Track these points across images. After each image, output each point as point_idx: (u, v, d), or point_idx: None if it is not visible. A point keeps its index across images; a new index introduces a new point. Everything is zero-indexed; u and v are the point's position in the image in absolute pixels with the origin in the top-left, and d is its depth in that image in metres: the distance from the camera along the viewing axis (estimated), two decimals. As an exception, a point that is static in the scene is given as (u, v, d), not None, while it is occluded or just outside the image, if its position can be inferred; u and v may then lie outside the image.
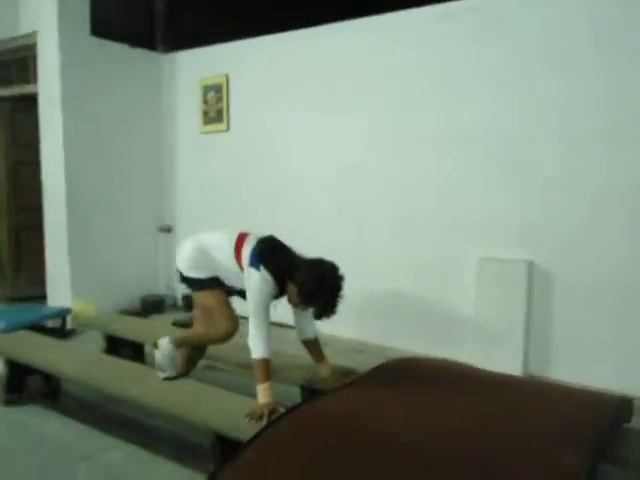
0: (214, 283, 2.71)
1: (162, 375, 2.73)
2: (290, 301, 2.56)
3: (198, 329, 2.94)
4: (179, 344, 2.83)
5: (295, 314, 2.70)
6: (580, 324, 3.49)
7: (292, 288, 2.48)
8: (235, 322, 2.72)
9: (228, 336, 2.74)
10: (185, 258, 2.76)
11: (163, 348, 2.78)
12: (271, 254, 2.53)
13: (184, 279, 2.80)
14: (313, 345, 2.75)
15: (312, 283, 2.39)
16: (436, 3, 3.89)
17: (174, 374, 2.75)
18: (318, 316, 2.46)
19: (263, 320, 2.43)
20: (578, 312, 3.49)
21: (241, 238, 2.66)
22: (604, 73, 3.33)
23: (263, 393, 2.31)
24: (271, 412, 2.22)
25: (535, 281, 3.62)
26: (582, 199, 3.45)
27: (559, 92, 3.49)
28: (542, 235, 3.60)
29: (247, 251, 2.57)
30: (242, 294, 2.66)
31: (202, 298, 2.79)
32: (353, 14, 4.26)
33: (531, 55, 3.57)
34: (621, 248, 3.34)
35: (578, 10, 3.40)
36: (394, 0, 4.04)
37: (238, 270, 2.61)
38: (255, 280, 2.46)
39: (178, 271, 2.82)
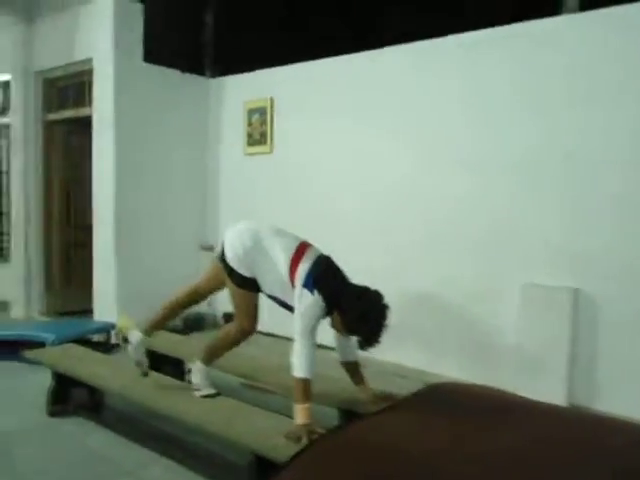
0: (253, 286, 2.70)
1: (199, 394, 2.77)
2: (334, 326, 2.56)
3: (219, 335, 2.98)
4: (208, 361, 2.87)
5: (336, 336, 2.69)
6: (628, 355, 3.37)
7: (337, 316, 2.47)
8: (255, 323, 2.80)
9: (245, 335, 2.81)
10: (235, 248, 2.68)
11: (196, 370, 2.83)
12: (326, 279, 2.48)
13: (225, 264, 2.74)
14: (353, 368, 2.74)
15: (358, 314, 2.38)
16: (472, 30, 3.91)
17: (212, 392, 2.78)
18: (362, 346, 2.44)
19: (310, 342, 2.41)
20: (626, 342, 3.38)
21: (300, 251, 2.58)
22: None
23: (302, 413, 2.31)
24: (310, 433, 2.21)
25: (580, 309, 3.52)
26: (633, 226, 3.36)
27: (606, 117, 3.43)
28: (589, 262, 3.51)
29: (303, 270, 2.50)
30: (284, 305, 2.66)
31: (236, 294, 2.79)
32: (391, 41, 4.33)
33: (576, 80, 3.53)
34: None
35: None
36: (432, 28, 4.08)
37: (287, 283, 2.56)
38: (308, 303, 2.43)
39: (222, 249, 2.77)
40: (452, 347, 4.07)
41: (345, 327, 2.46)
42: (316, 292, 2.42)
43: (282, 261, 2.56)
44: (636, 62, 3.33)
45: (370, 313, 2.39)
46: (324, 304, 2.43)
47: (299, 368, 2.37)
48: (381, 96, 4.43)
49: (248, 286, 2.71)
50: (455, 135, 4.06)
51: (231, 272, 2.72)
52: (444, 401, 2.55)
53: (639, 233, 3.33)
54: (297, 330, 2.42)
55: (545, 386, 3.49)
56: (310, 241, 2.70)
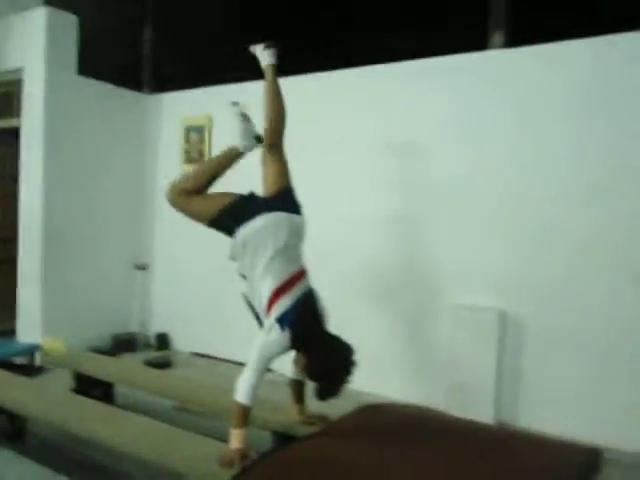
0: (228, 229, 2.60)
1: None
2: (296, 363, 2.52)
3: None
4: None
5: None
6: (551, 373, 3.55)
7: (302, 357, 2.42)
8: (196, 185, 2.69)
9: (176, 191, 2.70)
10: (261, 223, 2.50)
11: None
12: (301, 322, 2.40)
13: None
14: (299, 386, 2.73)
15: (325, 368, 2.35)
16: (426, 57, 4.05)
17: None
18: (318, 395, 2.40)
19: (260, 372, 2.35)
20: (549, 361, 3.56)
21: (289, 282, 2.46)
22: (596, 131, 3.46)
23: (236, 438, 2.28)
24: (243, 458, 2.19)
25: (507, 330, 3.68)
26: (557, 250, 3.56)
27: (543, 146, 3.62)
28: (515, 284, 3.69)
29: (283, 305, 2.40)
30: (253, 312, 2.57)
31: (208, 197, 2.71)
32: (339, 64, 4.42)
33: (529, 109, 3.69)
34: (593, 298, 3.43)
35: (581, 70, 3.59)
36: (376, 53, 4.21)
37: (262, 305, 2.47)
38: (274, 338, 2.36)
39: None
40: (387, 367, 4.14)
41: (307, 373, 2.42)
42: (287, 330, 2.36)
43: (267, 286, 2.45)
44: (566, 94, 3.56)
45: (337, 370, 2.35)
46: (290, 344, 2.38)
47: (243, 394, 2.32)
48: (321, 118, 4.49)
49: (224, 226, 2.63)
50: (400, 164, 4.16)
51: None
52: (376, 423, 2.60)
53: (563, 256, 3.53)
54: (253, 358, 2.35)
55: (474, 404, 3.61)
56: None
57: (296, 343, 2.39)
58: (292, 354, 2.52)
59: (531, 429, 3.49)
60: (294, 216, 2.59)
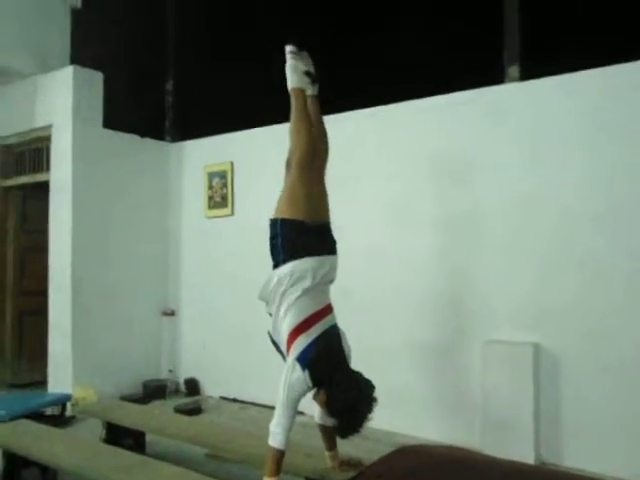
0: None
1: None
2: (316, 399, 2.45)
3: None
4: None
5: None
6: (592, 408, 3.41)
7: (322, 394, 2.37)
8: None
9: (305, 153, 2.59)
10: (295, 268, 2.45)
11: None
12: (320, 360, 2.36)
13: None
14: (329, 431, 2.67)
15: (345, 405, 2.29)
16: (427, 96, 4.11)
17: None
18: (339, 433, 2.37)
19: (292, 413, 2.32)
20: (589, 395, 3.42)
21: (309, 321, 2.41)
22: (597, 159, 3.46)
23: None
24: None
25: (542, 364, 3.57)
26: (582, 277, 3.48)
27: (555, 175, 3.61)
28: (548, 317, 3.59)
29: (302, 344, 2.36)
30: (277, 348, 2.53)
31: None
32: (353, 106, 4.50)
33: (527, 142, 3.72)
34: (629, 327, 3.32)
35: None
36: (392, 93, 4.27)
37: (283, 344, 2.44)
38: (296, 378, 2.32)
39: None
40: (418, 406, 4.04)
41: (328, 411, 2.37)
42: (307, 371, 2.32)
43: (287, 325, 2.41)
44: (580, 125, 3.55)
45: (357, 408, 2.30)
46: (311, 382, 2.34)
47: (276, 439, 2.28)
48: (343, 159, 4.53)
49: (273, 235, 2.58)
50: (416, 192, 4.17)
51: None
52: (411, 466, 2.52)
53: (596, 287, 3.45)
54: (281, 400, 2.32)
55: (513, 443, 3.48)
56: None
57: (316, 381, 2.35)
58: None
59: (575, 468, 3.33)
60: (330, 258, 2.56)
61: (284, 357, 2.50)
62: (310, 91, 2.78)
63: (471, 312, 3.89)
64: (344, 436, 2.36)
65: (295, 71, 2.71)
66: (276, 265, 2.51)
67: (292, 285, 2.42)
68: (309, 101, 2.76)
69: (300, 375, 2.33)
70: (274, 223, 2.55)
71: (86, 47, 5.44)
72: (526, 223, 3.71)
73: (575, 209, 3.53)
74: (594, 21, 3.67)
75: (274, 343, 2.55)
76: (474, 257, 3.90)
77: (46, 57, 5.22)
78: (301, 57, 2.77)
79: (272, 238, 2.56)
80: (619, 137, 3.40)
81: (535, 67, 3.74)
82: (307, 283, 2.43)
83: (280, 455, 2.28)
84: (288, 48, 2.76)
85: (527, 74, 3.80)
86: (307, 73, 2.75)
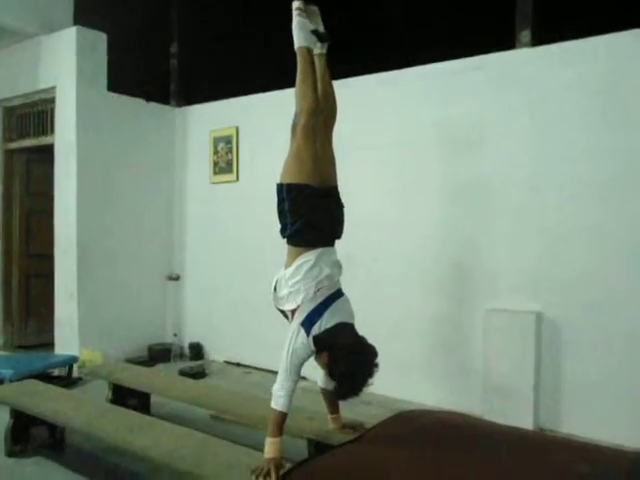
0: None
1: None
2: (317, 360, 2.44)
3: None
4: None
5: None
6: (592, 376, 3.45)
7: (325, 357, 2.36)
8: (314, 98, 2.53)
9: (310, 112, 2.51)
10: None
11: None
12: (325, 325, 2.36)
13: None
14: (331, 394, 2.70)
15: (345, 370, 2.28)
16: (440, 61, 4.03)
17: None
18: (338, 395, 2.40)
19: (294, 378, 2.33)
20: (589, 363, 3.46)
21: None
22: (604, 129, 3.42)
23: (271, 447, 2.27)
24: (277, 467, 2.18)
25: (544, 332, 3.60)
26: (588, 248, 3.47)
27: (562, 145, 3.56)
28: (551, 287, 3.60)
29: (308, 308, 2.37)
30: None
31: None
32: (360, 71, 4.42)
33: (538, 110, 3.66)
34: (632, 298, 3.32)
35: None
36: (398, 59, 4.19)
37: (285, 304, 2.44)
38: (300, 343, 2.33)
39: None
40: (420, 373, 4.09)
41: (328, 373, 2.39)
42: (311, 336, 2.33)
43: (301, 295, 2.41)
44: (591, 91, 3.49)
45: (358, 372, 2.29)
46: (315, 348, 2.35)
47: (278, 401, 2.30)
48: (349, 125, 4.48)
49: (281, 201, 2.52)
50: (421, 161, 4.13)
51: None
52: (412, 430, 2.56)
53: (598, 254, 3.44)
54: (284, 364, 2.33)
55: (513, 409, 3.53)
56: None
57: (319, 346, 2.35)
58: None
59: (574, 435, 3.39)
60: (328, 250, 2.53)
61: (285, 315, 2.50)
62: (318, 50, 2.70)
63: (474, 281, 3.89)
64: (342, 398, 2.39)
65: (302, 29, 2.60)
66: (284, 228, 2.50)
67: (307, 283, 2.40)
68: (316, 60, 2.68)
69: (304, 340, 2.34)
70: (280, 188, 2.53)
71: (90, 8, 5.33)
72: (532, 192, 3.68)
73: (581, 179, 3.50)
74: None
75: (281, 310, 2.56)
76: (478, 226, 3.89)
77: (50, 18, 5.11)
78: (309, 14, 2.66)
79: (279, 203, 2.54)
80: (630, 106, 3.34)
81: (547, 33, 3.66)
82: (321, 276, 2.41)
83: (282, 418, 2.31)
84: (295, 4, 2.64)
85: (539, 40, 3.72)
86: (315, 32, 2.65)
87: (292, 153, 2.56)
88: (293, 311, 2.42)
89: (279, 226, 2.54)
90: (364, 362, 2.31)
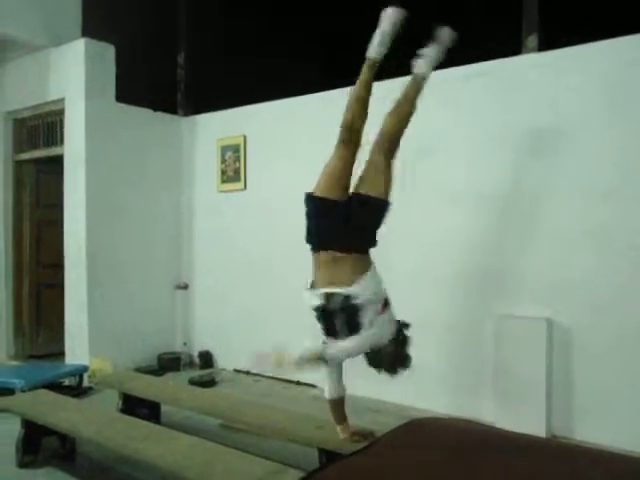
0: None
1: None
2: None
3: None
4: None
5: (329, 372, 2.65)
6: (604, 381, 3.40)
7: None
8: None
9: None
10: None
11: None
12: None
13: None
14: (340, 404, 2.70)
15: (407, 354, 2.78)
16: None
17: None
18: (389, 371, 2.72)
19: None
20: (602, 369, 3.42)
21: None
22: (614, 135, 3.39)
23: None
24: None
25: (555, 338, 3.56)
26: (601, 256, 3.44)
27: (573, 152, 3.54)
28: (561, 292, 3.57)
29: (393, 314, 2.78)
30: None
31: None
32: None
33: (550, 116, 3.64)
34: (642, 304, 3.29)
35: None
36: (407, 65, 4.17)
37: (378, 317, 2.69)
38: (389, 332, 2.71)
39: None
40: (430, 380, 4.06)
41: (391, 359, 2.74)
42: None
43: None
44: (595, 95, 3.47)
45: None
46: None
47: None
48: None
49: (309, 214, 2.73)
50: (434, 167, 4.10)
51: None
52: (423, 438, 2.54)
53: (609, 262, 3.41)
54: (360, 341, 2.55)
55: (525, 417, 3.49)
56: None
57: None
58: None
59: (587, 442, 3.34)
60: None
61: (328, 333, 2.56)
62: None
63: (485, 287, 3.87)
64: (399, 368, 2.78)
65: (383, 40, 2.49)
66: (372, 240, 2.83)
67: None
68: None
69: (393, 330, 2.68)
70: (304, 197, 2.64)
71: (98, 20, 5.39)
72: (540, 198, 3.66)
73: (589, 183, 3.47)
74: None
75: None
76: (488, 233, 3.87)
77: (58, 30, 5.17)
78: (396, 26, 2.51)
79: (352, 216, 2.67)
80: (637, 111, 3.31)
81: (553, 38, 3.65)
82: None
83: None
84: (389, 11, 2.50)
85: (545, 45, 3.71)
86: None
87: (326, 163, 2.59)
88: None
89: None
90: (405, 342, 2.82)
